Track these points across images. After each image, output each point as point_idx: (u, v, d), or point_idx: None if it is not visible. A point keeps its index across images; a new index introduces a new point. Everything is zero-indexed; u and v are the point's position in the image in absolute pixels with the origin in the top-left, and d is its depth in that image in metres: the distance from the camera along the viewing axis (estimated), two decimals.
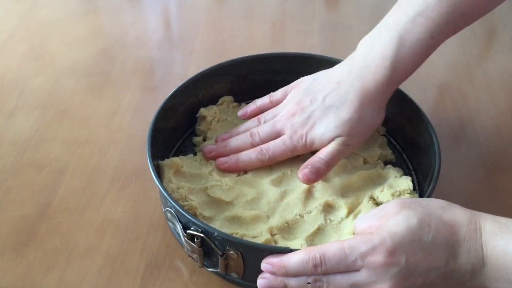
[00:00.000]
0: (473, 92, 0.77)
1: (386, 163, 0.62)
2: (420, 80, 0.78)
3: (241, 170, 0.59)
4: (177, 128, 0.65)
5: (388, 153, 0.63)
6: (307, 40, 0.87)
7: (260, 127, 0.60)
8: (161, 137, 0.60)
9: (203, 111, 0.66)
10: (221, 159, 0.60)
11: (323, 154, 0.56)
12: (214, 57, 0.81)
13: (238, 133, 0.62)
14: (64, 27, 0.89)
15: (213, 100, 0.68)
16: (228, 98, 0.68)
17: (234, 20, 0.93)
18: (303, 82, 0.61)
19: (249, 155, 0.59)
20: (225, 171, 0.59)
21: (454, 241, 0.42)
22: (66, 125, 0.70)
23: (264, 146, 0.59)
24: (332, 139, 0.56)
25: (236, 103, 0.69)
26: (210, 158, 0.60)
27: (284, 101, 0.61)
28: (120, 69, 0.80)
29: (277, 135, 0.59)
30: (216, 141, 0.62)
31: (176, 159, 0.59)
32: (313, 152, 0.58)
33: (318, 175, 0.55)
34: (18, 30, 0.88)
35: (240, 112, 0.64)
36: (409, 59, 0.54)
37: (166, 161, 0.58)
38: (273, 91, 0.71)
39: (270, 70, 0.69)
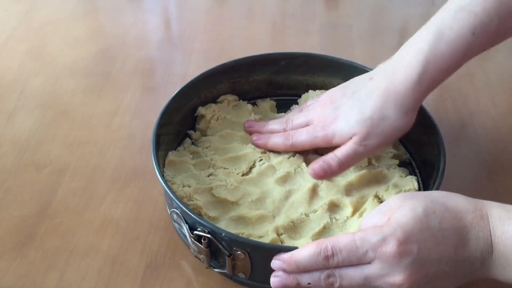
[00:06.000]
0: (473, 92, 0.77)
1: (401, 164, 0.62)
2: None
3: (269, 149, 0.61)
4: (181, 129, 0.64)
5: (402, 153, 0.63)
6: (307, 40, 0.87)
7: (296, 115, 0.61)
8: (165, 138, 0.60)
9: (201, 110, 0.66)
10: (255, 135, 0.62)
11: (339, 151, 0.55)
12: (214, 57, 0.81)
13: (280, 118, 0.64)
14: (64, 27, 0.89)
15: (216, 100, 0.68)
16: (230, 97, 0.68)
17: (234, 20, 0.93)
18: (345, 83, 0.60)
19: (276, 138, 0.60)
20: (256, 146, 0.61)
21: (461, 227, 0.42)
22: (66, 125, 0.70)
23: (291, 132, 0.59)
24: (351, 137, 0.54)
25: (237, 102, 0.69)
26: (248, 132, 0.63)
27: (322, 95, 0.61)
28: (120, 69, 0.80)
29: (306, 124, 0.59)
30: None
31: (173, 156, 0.60)
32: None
33: (329, 171, 0.54)
34: (18, 30, 0.88)
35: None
36: (446, 56, 0.50)
37: (168, 158, 0.60)
38: (276, 91, 0.72)
39: (272, 70, 0.69)
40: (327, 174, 0.55)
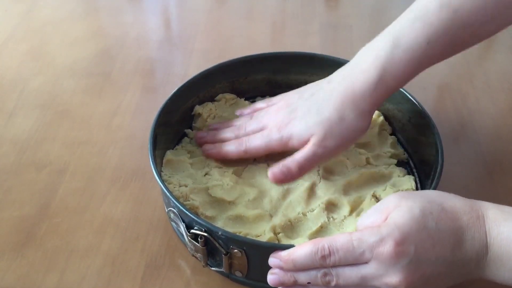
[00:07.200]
0: (473, 92, 0.77)
1: (398, 163, 0.62)
2: (420, 80, 0.78)
3: (223, 159, 0.60)
4: (179, 128, 0.65)
5: (400, 152, 0.63)
6: (307, 40, 0.87)
7: (248, 122, 0.61)
8: (163, 138, 0.60)
9: (198, 108, 0.66)
10: (206, 145, 0.61)
11: (297, 154, 0.54)
12: (214, 57, 0.81)
13: (229, 126, 0.63)
14: (64, 27, 0.89)
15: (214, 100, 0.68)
16: (228, 96, 0.68)
17: (234, 20, 0.93)
18: (301, 88, 0.61)
19: (229, 145, 0.59)
20: (209, 156, 0.61)
21: (457, 228, 0.42)
22: (66, 125, 0.70)
23: (244, 138, 0.59)
24: (309, 138, 0.54)
25: (235, 100, 0.69)
26: (200, 143, 0.62)
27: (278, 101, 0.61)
28: (120, 69, 0.80)
29: (261, 130, 0.58)
30: (208, 128, 0.64)
31: (171, 155, 0.60)
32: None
33: (288, 175, 0.54)
34: (18, 30, 0.88)
35: (238, 111, 0.65)
36: (402, 64, 0.52)
37: (166, 157, 0.60)
38: (274, 90, 0.71)
39: (271, 70, 0.69)
40: (287, 178, 0.54)
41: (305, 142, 0.54)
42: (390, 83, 0.53)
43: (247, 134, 0.59)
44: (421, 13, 0.52)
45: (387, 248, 0.41)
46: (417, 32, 0.51)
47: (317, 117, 0.54)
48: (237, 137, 0.60)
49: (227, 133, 0.61)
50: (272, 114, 0.58)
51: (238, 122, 0.63)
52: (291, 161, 0.54)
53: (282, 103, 0.59)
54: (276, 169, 0.54)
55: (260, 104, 0.64)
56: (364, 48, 0.56)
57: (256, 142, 0.58)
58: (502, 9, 0.51)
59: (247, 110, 0.64)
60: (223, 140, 0.61)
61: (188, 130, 0.65)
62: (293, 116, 0.56)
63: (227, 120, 0.64)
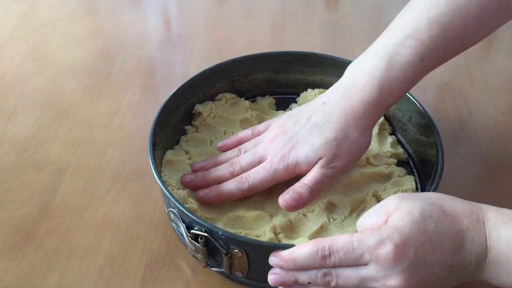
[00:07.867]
0: (473, 92, 0.77)
1: (398, 163, 0.62)
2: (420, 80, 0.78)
3: (222, 201, 0.56)
4: (179, 128, 0.65)
5: (400, 152, 0.63)
6: (307, 40, 0.87)
7: (241, 156, 0.57)
8: (162, 138, 0.60)
9: (198, 107, 0.66)
10: (201, 191, 0.56)
11: (306, 179, 0.52)
12: (214, 57, 0.81)
13: (216, 163, 0.58)
14: (64, 27, 0.89)
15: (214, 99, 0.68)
16: (228, 95, 0.68)
17: (234, 20, 0.93)
18: (288, 112, 0.59)
19: (229, 186, 0.55)
20: (205, 203, 0.56)
21: (457, 231, 0.42)
22: (66, 125, 0.70)
23: (244, 174, 0.55)
24: (317, 161, 0.52)
25: (235, 99, 0.68)
26: (189, 188, 0.57)
27: (267, 130, 0.58)
28: (120, 69, 0.80)
29: (258, 162, 0.55)
30: (192, 169, 0.59)
31: (170, 155, 0.60)
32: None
33: (301, 201, 0.52)
34: (18, 30, 0.88)
35: (220, 144, 0.61)
36: (398, 81, 0.52)
37: (165, 157, 0.60)
38: (274, 90, 0.71)
39: (271, 69, 0.69)
40: (300, 204, 0.52)
41: (311, 166, 0.53)
42: (388, 100, 0.53)
43: (244, 170, 0.55)
44: (411, 30, 0.52)
45: (386, 250, 0.41)
46: (410, 50, 0.52)
47: (322, 139, 0.52)
48: (233, 174, 0.56)
49: (220, 171, 0.57)
50: (268, 143, 0.55)
51: (225, 156, 0.59)
52: (301, 186, 0.52)
53: (276, 130, 0.56)
54: (287, 196, 0.52)
55: (243, 133, 0.61)
56: (354, 65, 0.55)
57: (259, 176, 0.54)
58: (487, 19, 0.53)
59: (230, 141, 0.61)
60: (217, 181, 0.56)
61: (188, 127, 0.65)
62: (294, 142, 0.54)
63: (210, 158, 0.60)
